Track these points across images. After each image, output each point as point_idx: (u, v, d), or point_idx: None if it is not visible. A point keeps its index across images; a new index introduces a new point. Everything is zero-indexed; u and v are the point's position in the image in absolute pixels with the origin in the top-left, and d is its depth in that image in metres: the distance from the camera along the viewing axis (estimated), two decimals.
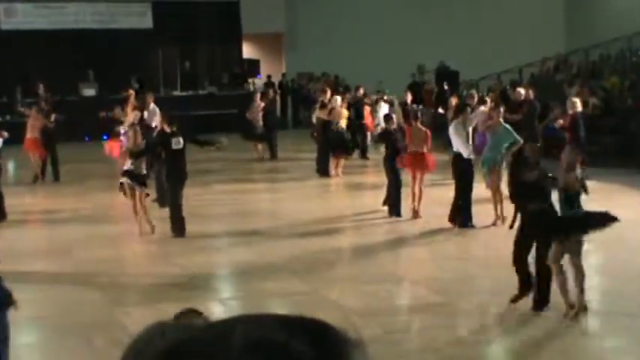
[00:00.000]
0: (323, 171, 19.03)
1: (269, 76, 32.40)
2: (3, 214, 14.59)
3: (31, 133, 18.42)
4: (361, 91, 22.36)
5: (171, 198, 13.13)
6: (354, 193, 17.67)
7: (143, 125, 15.31)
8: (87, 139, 27.21)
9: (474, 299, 9.58)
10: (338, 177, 18.87)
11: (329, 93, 20.18)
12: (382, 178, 17.94)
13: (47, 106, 19.73)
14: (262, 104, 21.40)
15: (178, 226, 12.95)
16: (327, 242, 12.82)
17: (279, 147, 22.19)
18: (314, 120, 20.68)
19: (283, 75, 32.74)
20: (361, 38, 31.54)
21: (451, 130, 13.22)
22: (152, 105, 19.65)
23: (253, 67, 32.52)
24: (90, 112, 27.28)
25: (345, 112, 19.50)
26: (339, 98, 19.78)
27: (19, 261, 12.09)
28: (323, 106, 19.52)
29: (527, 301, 8.90)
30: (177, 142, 12.86)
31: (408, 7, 32.38)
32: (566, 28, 34.55)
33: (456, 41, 31.56)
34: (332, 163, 19.09)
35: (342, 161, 19.15)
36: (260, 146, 21.48)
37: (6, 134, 15.17)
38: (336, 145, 18.94)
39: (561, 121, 16.80)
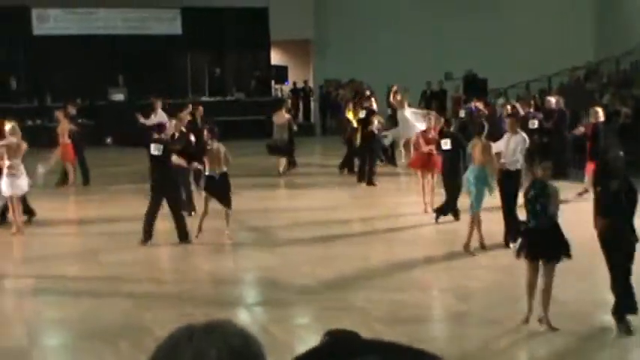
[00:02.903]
0: (370, 180, 18.90)
1: (294, 83, 32.47)
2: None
3: (62, 139, 18.52)
4: (398, 97, 22.29)
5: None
6: (381, 200, 17.62)
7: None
8: (109, 141, 27.32)
9: (502, 308, 9.51)
10: (374, 185, 18.75)
11: (373, 100, 20.04)
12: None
13: (73, 111, 19.76)
14: (287, 116, 21.19)
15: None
16: (354, 249, 12.79)
17: (307, 153, 22.12)
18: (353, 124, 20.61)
19: (305, 82, 32.76)
20: (389, 45, 31.47)
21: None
22: (160, 111, 19.80)
23: (281, 73, 32.58)
24: (118, 117, 27.54)
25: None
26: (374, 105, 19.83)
27: (47, 264, 12.19)
28: (371, 113, 19.37)
29: (558, 314, 8.80)
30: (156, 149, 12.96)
31: (437, 15, 32.28)
32: (596, 36, 34.27)
33: (484, 49, 31.41)
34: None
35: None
36: (284, 160, 21.09)
37: None
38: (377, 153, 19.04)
39: (582, 129, 16.71)
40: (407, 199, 16.80)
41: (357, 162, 19.90)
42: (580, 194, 15.84)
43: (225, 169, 13.12)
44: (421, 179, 15.31)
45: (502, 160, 12.62)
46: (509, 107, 18.50)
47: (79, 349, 8.78)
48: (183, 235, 12.99)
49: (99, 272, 11.52)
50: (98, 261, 12.17)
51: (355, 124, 20.24)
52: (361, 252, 12.64)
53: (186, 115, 16.40)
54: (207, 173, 13.26)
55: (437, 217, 14.24)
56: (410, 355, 1.01)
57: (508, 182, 12.38)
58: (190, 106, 18.10)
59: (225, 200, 13.18)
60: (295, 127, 21.10)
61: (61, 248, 13.39)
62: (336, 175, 20.50)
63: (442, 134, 14.53)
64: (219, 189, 13.09)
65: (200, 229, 13.17)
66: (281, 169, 20.61)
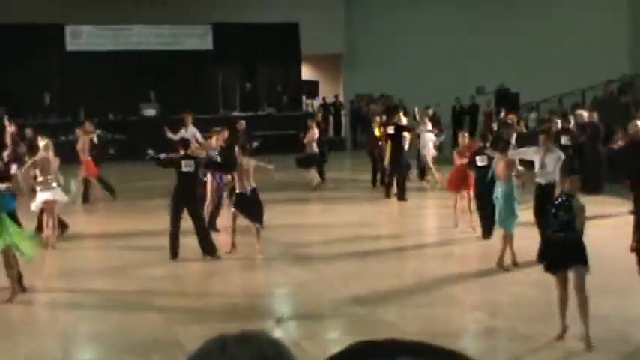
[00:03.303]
0: (400, 195, 18.83)
1: (324, 98, 32.50)
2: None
3: (83, 155, 18.49)
4: (430, 112, 22.26)
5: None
6: (412, 215, 17.55)
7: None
8: (146, 158, 27.53)
9: (535, 324, 9.40)
10: (405, 200, 18.67)
11: (401, 115, 19.95)
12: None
13: (91, 128, 19.67)
14: (317, 132, 21.17)
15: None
16: (386, 264, 12.73)
17: (338, 167, 22.11)
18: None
19: (336, 97, 32.79)
20: (420, 59, 31.45)
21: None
22: (190, 126, 19.90)
23: (312, 88, 32.66)
24: (150, 132, 27.74)
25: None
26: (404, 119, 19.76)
27: (79, 279, 12.26)
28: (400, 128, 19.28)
29: (595, 331, 8.68)
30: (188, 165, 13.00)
31: (468, 29, 32.20)
32: (631, 49, 34.00)
33: (516, 62, 31.29)
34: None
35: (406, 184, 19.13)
36: (313, 173, 21.04)
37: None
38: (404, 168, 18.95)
39: (621, 143, 16.43)
40: (438, 214, 16.72)
41: (385, 177, 19.83)
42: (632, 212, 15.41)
43: (254, 184, 13.16)
44: (455, 198, 15.05)
45: (537, 178, 12.55)
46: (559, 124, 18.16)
47: None
48: (208, 249, 12.99)
49: (130, 286, 11.56)
50: (129, 275, 12.21)
51: (381, 140, 20.24)
52: (393, 267, 12.58)
53: (215, 141, 16.23)
54: (237, 190, 13.29)
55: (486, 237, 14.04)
56: (443, 355, 0.98)
57: (543, 197, 12.27)
58: (226, 133, 17.98)
59: (256, 217, 13.17)
60: (315, 150, 21.05)
61: (92, 262, 13.46)
62: (367, 190, 20.45)
63: (477, 152, 14.42)
64: (250, 206, 13.10)
65: (233, 245, 13.20)
66: (315, 182, 20.58)
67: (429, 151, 20.37)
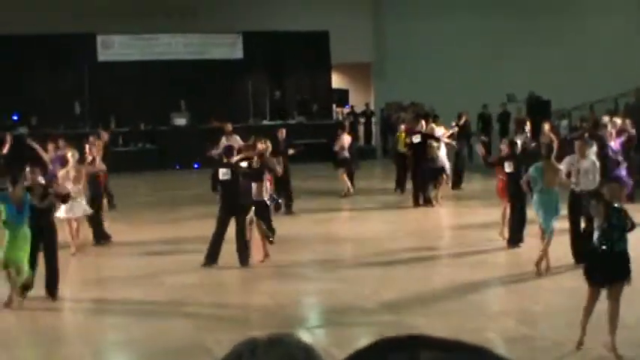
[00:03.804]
0: (417, 201, 18.86)
1: (352, 107, 32.48)
2: (106, 237, 15.19)
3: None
4: (463, 118, 22.20)
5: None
6: (443, 222, 17.49)
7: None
8: (178, 167, 27.75)
9: (562, 332, 9.32)
10: (433, 207, 18.63)
11: (423, 123, 19.91)
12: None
13: (106, 137, 19.44)
14: (349, 138, 21.17)
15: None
16: (415, 271, 12.70)
17: (368, 176, 22.08)
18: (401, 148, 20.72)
19: (366, 105, 32.77)
20: (449, 67, 31.36)
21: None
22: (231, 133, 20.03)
23: (342, 96, 32.66)
24: (181, 141, 27.90)
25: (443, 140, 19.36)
26: (436, 128, 19.68)
27: (110, 287, 12.35)
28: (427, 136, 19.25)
29: (622, 339, 8.59)
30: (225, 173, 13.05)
31: (497, 36, 32.10)
32: None
33: (547, 70, 31.13)
34: (432, 192, 18.91)
35: (440, 191, 18.98)
36: (345, 177, 21.03)
37: None
38: (434, 175, 18.85)
39: None
40: (468, 221, 16.64)
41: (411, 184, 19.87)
42: None
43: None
44: (504, 206, 14.83)
45: (572, 184, 12.47)
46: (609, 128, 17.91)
47: None
48: (243, 259, 13.02)
49: (159, 294, 11.61)
50: (159, 283, 12.27)
51: (403, 148, 20.31)
52: (423, 274, 12.55)
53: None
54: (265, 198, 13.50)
55: (513, 245, 13.96)
56: (471, 351, 0.98)
57: (577, 205, 12.23)
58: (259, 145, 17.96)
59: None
60: (346, 154, 21.01)
61: (121, 271, 13.54)
62: (397, 198, 20.41)
63: (505, 157, 14.35)
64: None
65: (266, 253, 13.26)
66: (347, 188, 20.57)
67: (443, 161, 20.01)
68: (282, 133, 18.82)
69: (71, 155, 14.56)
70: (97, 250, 14.86)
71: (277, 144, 18.17)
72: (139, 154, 27.73)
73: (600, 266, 8.55)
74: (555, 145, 13.88)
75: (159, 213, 18.88)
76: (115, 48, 30.06)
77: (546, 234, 12.21)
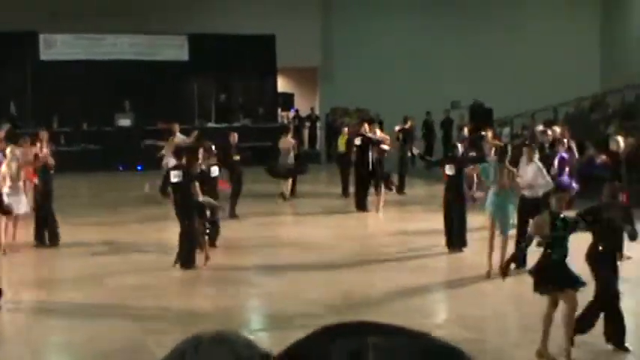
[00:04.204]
0: (361, 206, 18.97)
1: (297, 111, 32.57)
2: (56, 239, 14.86)
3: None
4: (409, 123, 22.37)
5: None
6: (386, 227, 17.61)
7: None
8: (121, 168, 27.50)
9: (504, 337, 9.47)
10: (377, 212, 18.72)
11: (366, 126, 20.08)
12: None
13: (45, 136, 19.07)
14: (294, 142, 21.27)
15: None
16: (359, 275, 12.77)
17: (312, 180, 22.17)
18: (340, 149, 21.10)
19: (312, 109, 32.88)
20: (395, 74, 31.62)
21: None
22: (178, 134, 20.02)
23: (287, 100, 32.71)
24: (125, 142, 27.67)
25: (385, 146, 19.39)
26: (378, 132, 19.80)
27: (51, 288, 12.20)
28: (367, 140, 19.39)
29: (555, 339, 8.76)
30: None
31: (444, 44, 32.47)
32: (601, 68, 34.44)
33: (490, 78, 31.59)
34: (374, 197, 18.97)
35: (383, 197, 19.04)
36: (289, 185, 21.09)
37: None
38: (377, 180, 18.88)
39: (604, 157, 16.45)
40: (411, 226, 16.79)
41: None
42: None
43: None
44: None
45: (522, 190, 12.76)
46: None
47: None
48: (186, 260, 12.93)
49: (103, 296, 11.51)
50: (102, 284, 12.16)
51: (343, 147, 20.83)
52: (366, 279, 12.63)
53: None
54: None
55: (456, 250, 14.12)
56: (416, 336, 1.01)
57: (525, 209, 12.46)
58: (196, 132, 18.24)
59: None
60: (295, 151, 21.13)
61: (64, 271, 13.42)
62: (342, 202, 20.51)
63: (446, 161, 14.58)
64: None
65: (207, 256, 13.20)
66: (287, 193, 20.66)
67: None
68: (234, 137, 18.74)
69: (10, 151, 14.35)
70: (38, 250, 14.66)
71: (229, 148, 18.14)
72: (82, 155, 27.43)
73: (552, 275, 8.59)
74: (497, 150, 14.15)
75: (101, 214, 18.69)
76: (58, 47, 29.66)
77: (503, 236, 12.36)
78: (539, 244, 9.23)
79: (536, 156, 13.24)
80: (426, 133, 30.46)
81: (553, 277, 8.56)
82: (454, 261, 13.65)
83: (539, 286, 8.65)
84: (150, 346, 9.05)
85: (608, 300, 8.75)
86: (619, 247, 8.98)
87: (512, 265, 12.32)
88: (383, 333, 1.03)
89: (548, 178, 12.76)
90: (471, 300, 11.32)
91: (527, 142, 15.61)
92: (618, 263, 9.09)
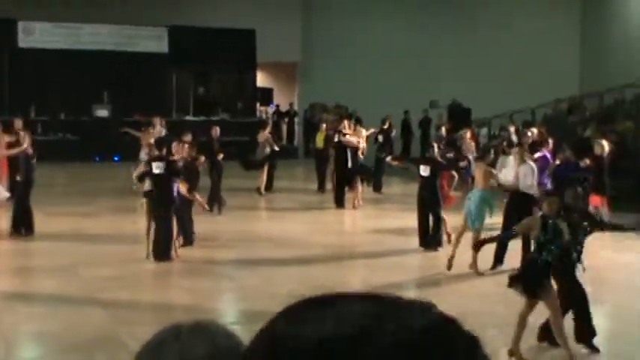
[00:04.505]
0: (339, 202, 19.00)
1: (277, 106, 32.57)
2: (31, 229, 14.73)
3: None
4: (387, 123, 22.40)
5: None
6: (363, 224, 17.64)
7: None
8: (97, 159, 27.38)
9: (481, 335, 9.48)
10: (354, 209, 18.75)
11: (346, 122, 20.15)
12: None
13: (19, 125, 18.81)
14: (267, 135, 21.19)
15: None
16: (331, 271, 12.80)
17: (289, 175, 22.17)
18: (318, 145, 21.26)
19: (290, 105, 32.87)
20: (375, 71, 31.68)
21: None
22: (158, 127, 19.98)
23: (266, 95, 32.69)
24: (102, 133, 27.54)
25: (362, 143, 19.38)
26: (362, 129, 19.83)
27: (24, 278, 12.14)
28: (340, 134, 19.48)
29: (531, 337, 8.83)
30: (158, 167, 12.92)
31: (424, 44, 32.55)
32: (580, 71, 34.67)
33: (470, 78, 31.72)
34: (352, 194, 18.98)
35: (360, 193, 19.05)
36: (264, 179, 21.02)
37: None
38: (351, 176, 18.89)
39: (588, 161, 16.46)
40: (388, 225, 16.82)
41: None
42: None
43: None
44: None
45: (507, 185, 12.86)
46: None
47: None
48: (163, 254, 12.87)
49: (76, 286, 11.45)
50: (75, 275, 12.10)
51: (322, 144, 21.09)
52: (339, 275, 12.67)
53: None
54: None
55: (430, 249, 14.16)
56: (388, 300, 1.01)
57: (514, 207, 12.55)
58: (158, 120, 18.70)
59: None
60: (276, 147, 21.09)
61: (37, 260, 13.35)
62: (318, 198, 20.54)
63: (419, 160, 14.69)
64: None
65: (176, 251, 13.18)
66: (262, 188, 20.65)
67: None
68: (216, 131, 18.66)
69: None
70: (12, 240, 14.55)
71: (211, 142, 18.10)
72: (59, 144, 27.28)
73: (539, 277, 8.50)
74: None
75: (76, 204, 18.60)
76: (37, 35, 29.46)
77: (474, 231, 12.44)
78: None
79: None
80: (403, 132, 30.55)
81: (535, 279, 8.56)
82: (429, 260, 13.69)
83: (518, 284, 8.63)
84: (122, 337, 9.02)
85: (576, 303, 8.79)
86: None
87: (491, 265, 12.50)
88: (355, 298, 1.03)
89: (535, 182, 12.82)
90: (445, 298, 11.35)
91: (519, 143, 15.58)
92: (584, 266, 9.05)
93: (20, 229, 14.76)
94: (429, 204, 13.94)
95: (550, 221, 8.59)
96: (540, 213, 8.97)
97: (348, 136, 19.17)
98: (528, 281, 8.55)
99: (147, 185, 13.24)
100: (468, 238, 12.36)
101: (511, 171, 13.11)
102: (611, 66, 31.70)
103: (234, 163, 20.12)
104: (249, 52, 31.21)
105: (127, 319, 9.89)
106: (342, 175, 19.09)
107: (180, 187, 13.11)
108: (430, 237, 14.11)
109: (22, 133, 15.35)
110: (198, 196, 14.26)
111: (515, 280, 8.61)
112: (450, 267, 12.39)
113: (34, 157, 14.89)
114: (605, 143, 16.40)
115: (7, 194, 14.64)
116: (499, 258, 12.51)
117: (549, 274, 8.52)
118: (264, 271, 12.73)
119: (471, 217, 12.57)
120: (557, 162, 16.20)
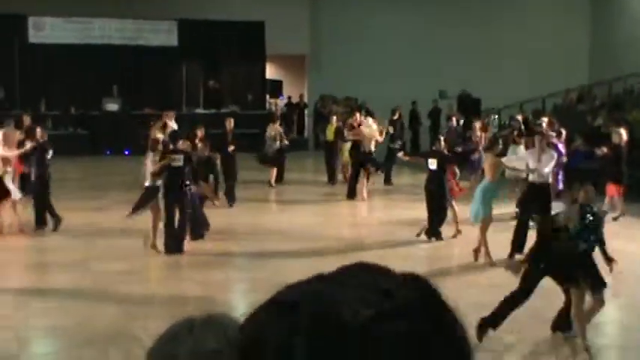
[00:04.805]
0: (351, 193, 19.00)
1: (289, 97, 32.57)
2: (44, 223, 14.84)
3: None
4: (397, 114, 22.39)
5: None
6: (373, 216, 17.66)
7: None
8: (108, 152, 27.45)
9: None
10: (363, 200, 18.79)
11: (358, 115, 20.17)
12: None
13: (27, 121, 18.91)
14: (278, 128, 21.23)
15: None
16: (341, 263, 12.70)
17: (299, 167, 22.18)
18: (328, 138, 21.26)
19: (300, 97, 32.87)
20: (384, 62, 31.63)
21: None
22: (172, 122, 19.98)
23: (276, 87, 32.68)
24: (112, 127, 27.61)
25: (375, 134, 19.34)
26: (370, 120, 19.81)
27: (37, 272, 12.21)
28: (352, 128, 19.52)
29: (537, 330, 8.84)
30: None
31: (433, 34, 32.46)
32: (590, 60, 34.52)
33: (479, 68, 31.62)
34: (361, 185, 18.99)
35: (367, 184, 19.03)
36: (274, 171, 21.10)
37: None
38: (362, 166, 18.93)
39: (605, 150, 16.28)
40: (398, 216, 16.83)
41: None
42: (615, 218, 15.36)
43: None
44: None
45: (531, 177, 12.87)
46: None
47: (68, 357, 8.77)
48: (177, 247, 12.95)
49: (89, 281, 11.52)
50: (87, 269, 12.17)
51: (332, 137, 21.16)
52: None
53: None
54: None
55: (429, 238, 14.20)
56: (367, 275, 1.02)
57: (534, 195, 12.62)
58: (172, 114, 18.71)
59: None
60: (286, 141, 21.13)
61: (49, 255, 13.40)
62: (328, 189, 20.56)
63: (427, 154, 14.72)
64: None
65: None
66: (272, 181, 20.71)
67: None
68: (230, 123, 18.71)
69: (2, 134, 14.34)
70: (26, 235, 14.61)
71: (225, 134, 18.18)
72: (70, 139, 27.33)
73: (577, 265, 8.43)
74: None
75: (88, 199, 18.68)
76: (47, 30, 29.55)
77: (483, 220, 12.45)
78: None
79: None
80: (412, 123, 30.51)
81: (572, 268, 8.41)
82: (440, 251, 13.70)
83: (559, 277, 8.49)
84: (136, 331, 9.07)
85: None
86: None
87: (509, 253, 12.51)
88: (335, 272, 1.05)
89: (550, 171, 12.90)
90: (459, 289, 11.36)
91: (541, 131, 15.50)
92: None
93: (43, 223, 14.78)
94: (437, 197, 13.99)
95: (589, 210, 8.52)
96: (576, 202, 8.82)
97: (355, 130, 19.22)
98: (564, 269, 8.43)
99: (148, 181, 13.25)
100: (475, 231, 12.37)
101: (524, 160, 13.17)
102: (622, 54, 31.54)
103: (246, 155, 20.15)
104: (258, 45, 31.21)
105: (140, 313, 9.94)
106: (358, 167, 19.04)
107: (205, 189, 13.30)
108: (432, 228, 14.16)
109: (38, 130, 15.39)
110: (210, 190, 14.32)
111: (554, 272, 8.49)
112: (476, 258, 12.43)
113: (48, 153, 14.95)
114: (623, 132, 16.25)
115: (20, 194, 14.70)
116: (519, 245, 12.42)
117: (586, 263, 8.45)
118: (275, 263, 12.77)
119: (473, 209, 12.61)
120: (565, 158, 16.13)
